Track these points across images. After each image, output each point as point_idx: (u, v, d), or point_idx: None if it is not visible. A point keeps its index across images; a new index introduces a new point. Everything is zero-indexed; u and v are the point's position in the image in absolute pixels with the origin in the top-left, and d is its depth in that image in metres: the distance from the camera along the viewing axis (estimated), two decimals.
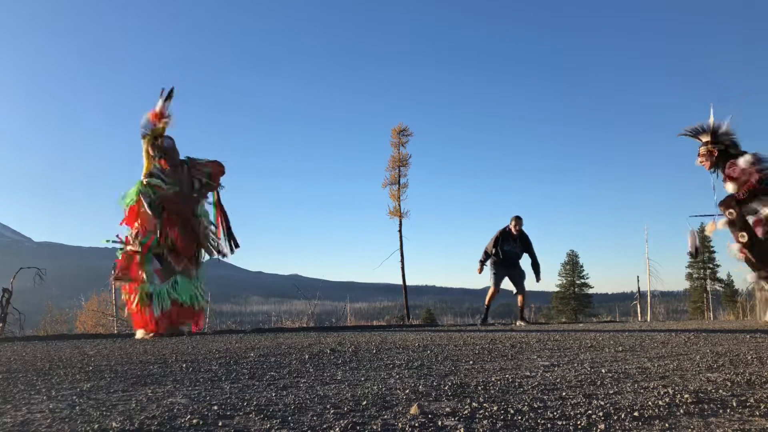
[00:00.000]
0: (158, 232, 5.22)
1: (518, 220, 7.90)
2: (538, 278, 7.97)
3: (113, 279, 5.65)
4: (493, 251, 7.80)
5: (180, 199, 5.34)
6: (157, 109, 5.36)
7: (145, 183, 5.24)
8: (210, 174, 5.56)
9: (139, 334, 5.21)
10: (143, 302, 5.13)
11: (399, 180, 16.98)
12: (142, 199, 5.20)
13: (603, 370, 2.19)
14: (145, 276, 5.12)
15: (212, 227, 5.64)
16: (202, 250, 5.57)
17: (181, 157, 5.53)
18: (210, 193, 5.66)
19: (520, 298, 7.84)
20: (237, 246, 5.78)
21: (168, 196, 5.27)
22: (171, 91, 5.43)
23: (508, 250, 7.80)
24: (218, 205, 5.74)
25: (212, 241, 5.60)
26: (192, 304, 5.32)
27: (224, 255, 5.71)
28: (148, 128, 5.35)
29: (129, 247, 5.16)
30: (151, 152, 5.35)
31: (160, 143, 5.31)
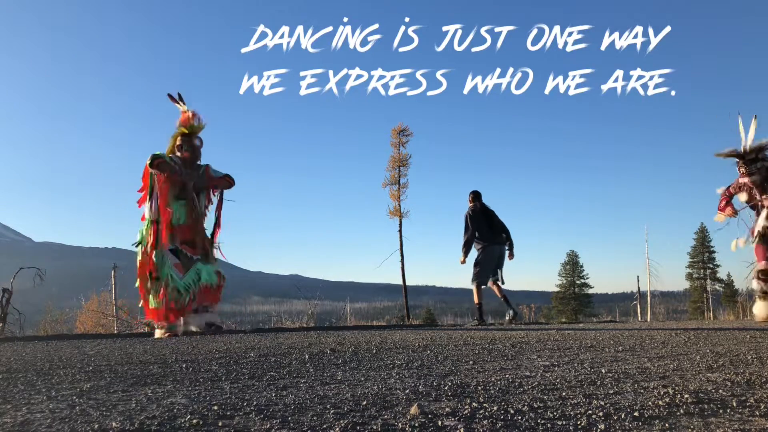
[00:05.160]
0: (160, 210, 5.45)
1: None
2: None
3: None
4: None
5: (187, 179, 5.56)
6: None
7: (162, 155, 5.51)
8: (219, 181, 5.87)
9: (158, 333, 5.39)
10: (172, 297, 5.34)
11: (399, 180, 16.97)
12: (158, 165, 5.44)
13: (603, 370, 2.19)
14: (171, 274, 5.34)
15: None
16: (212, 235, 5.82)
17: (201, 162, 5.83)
18: (216, 194, 5.95)
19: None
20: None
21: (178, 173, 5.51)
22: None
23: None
24: (219, 208, 5.94)
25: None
26: (211, 285, 5.54)
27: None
28: (191, 124, 5.70)
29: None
30: (179, 142, 5.65)
31: (194, 141, 5.66)
